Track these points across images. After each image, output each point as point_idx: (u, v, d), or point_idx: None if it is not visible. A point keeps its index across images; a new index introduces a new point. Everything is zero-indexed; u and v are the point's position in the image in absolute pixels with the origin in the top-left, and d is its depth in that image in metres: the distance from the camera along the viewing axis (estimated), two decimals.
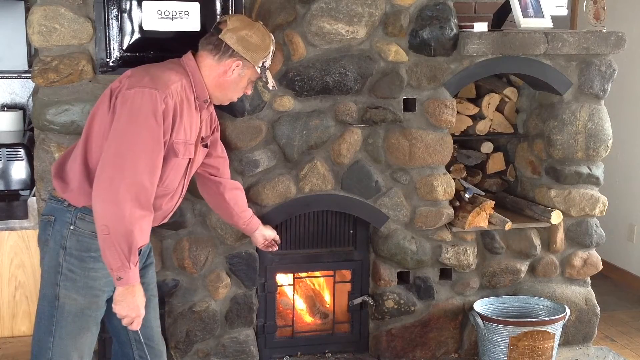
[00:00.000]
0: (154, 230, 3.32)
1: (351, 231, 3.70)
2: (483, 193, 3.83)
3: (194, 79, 2.61)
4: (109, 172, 2.36)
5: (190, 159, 2.65)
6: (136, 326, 2.50)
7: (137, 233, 2.36)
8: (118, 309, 2.44)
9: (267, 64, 2.72)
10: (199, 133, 2.69)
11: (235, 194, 3.08)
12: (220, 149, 3.02)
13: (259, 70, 2.69)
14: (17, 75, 4.26)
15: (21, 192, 3.65)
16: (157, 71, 2.54)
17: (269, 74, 2.75)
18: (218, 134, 2.99)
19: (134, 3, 3.10)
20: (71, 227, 2.50)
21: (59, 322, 2.51)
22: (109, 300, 2.52)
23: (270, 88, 2.80)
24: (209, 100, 2.68)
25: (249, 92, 2.79)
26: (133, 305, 2.44)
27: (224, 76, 2.64)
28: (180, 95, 2.51)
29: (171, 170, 2.57)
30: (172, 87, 2.48)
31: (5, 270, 3.59)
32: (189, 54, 2.66)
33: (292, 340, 3.75)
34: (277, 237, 3.29)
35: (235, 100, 2.79)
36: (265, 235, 3.24)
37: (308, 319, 3.89)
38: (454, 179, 3.73)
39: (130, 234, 2.34)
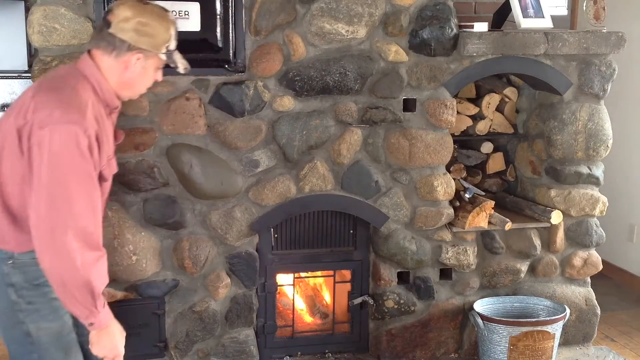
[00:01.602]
0: (155, 230, 3.33)
1: (351, 231, 3.70)
2: (483, 193, 3.83)
3: (100, 88, 2.35)
4: (48, 224, 2.15)
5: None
6: (120, 358, 2.37)
7: (96, 278, 2.19)
8: (95, 350, 2.31)
9: (172, 46, 2.44)
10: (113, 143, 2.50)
11: None
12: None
13: (163, 57, 2.42)
14: (17, 75, 4.26)
15: None
16: (63, 95, 2.24)
17: (176, 56, 2.47)
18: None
19: None
20: (9, 262, 2.29)
21: (43, 357, 2.34)
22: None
23: (182, 71, 2.53)
24: (118, 106, 2.47)
25: (160, 79, 2.51)
26: (110, 346, 2.31)
27: (127, 72, 2.37)
28: (95, 116, 2.27)
29: (102, 196, 2.37)
30: (87, 114, 2.22)
31: None
32: (86, 58, 2.37)
33: (292, 340, 3.75)
34: None
35: (145, 91, 2.53)
36: None
37: (308, 319, 3.89)
38: (454, 179, 3.73)
39: (88, 283, 2.17)
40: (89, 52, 2.39)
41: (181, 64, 2.50)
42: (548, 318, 3.60)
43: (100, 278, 2.22)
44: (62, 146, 2.15)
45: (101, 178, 2.33)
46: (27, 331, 2.32)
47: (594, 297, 3.97)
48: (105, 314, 2.28)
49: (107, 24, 2.34)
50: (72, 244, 2.15)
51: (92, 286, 2.19)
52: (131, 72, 2.38)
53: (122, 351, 2.37)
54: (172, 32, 2.43)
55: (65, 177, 2.16)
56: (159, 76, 2.50)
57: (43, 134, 2.15)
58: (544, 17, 3.72)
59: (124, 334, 2.38)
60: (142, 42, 2.34)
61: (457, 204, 3.70)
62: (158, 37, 2.37)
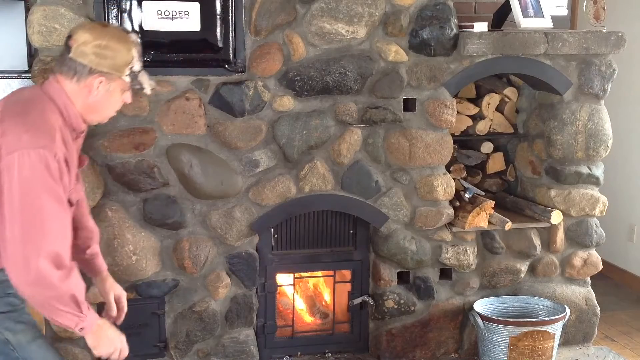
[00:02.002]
0: (155, 230, 3.33)
1: (351, 231, 3.69)
2: (483, 193, 3.83)
3: (67, 112, 2.32)
4: (21, 253, 2.13)
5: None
6: (125, 352, 2.40)
7: (75, 288, 2.20)
8: (99, 352, 2.34)
9: (136, 68, 2.39)
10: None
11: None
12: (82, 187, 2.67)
13: (127, 79, 2.37)
14: (17, 75, 4.25)
15: None
16: (31, 119, 2.21)
17: (142, 77, 2.42)
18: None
19: (134, 3, 3.11)
20: None
21: (28, 356, 2.32)
22: None
23: (149, 92, 2.49)
24: (84, 130, 2.42)
25: (129, 101, 2.46)
26: (109, 342, 2.33)
27: (91, 96, 2.33)
28: (64, 140, 2.25)
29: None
30: (57, 137, 2.20)
31: None
32: (52, 82, 2.34)
33: (292, 340, 3.75)
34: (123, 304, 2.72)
35: (114, 114, 2.48)
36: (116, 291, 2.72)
37: (308, 319, 3.89)
38: (454, 179, 3.73)
39: (70, 295, 2.18)
40: (55, 76, 2.36)
41: (147, 84, 2.45)
42: (548, 318, 3.60)
43: (78, 285, 2.23)
44: (32, 170, 2.14)
45: (69, 202, 2.31)
46: (4, 339, 2.31)
47: (594, 297, 3.97)
48: (92, 317, 2.28)
49: (68, 49, 2.31)
50: (45, 269, 2.14)
51: (74, 296, 2.20)
52: (95, 96, 2.34)
53: (123, 343, 2.38)
54: (134, 53, 2.38)
55: (36, 202, 2.15)
56: (128, 98, 2.45)
57: (12, 159, 2.13)
58: (544, 17, 3.72)
59: (117, 329, 2.40)
60: (103, 64, 2.31)
61: (457, 204, 3.70)
62: (119, 59, 2.33)
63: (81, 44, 2.30)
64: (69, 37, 2.33)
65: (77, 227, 2.54)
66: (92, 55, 2.29)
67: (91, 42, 2.29)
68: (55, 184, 2.17)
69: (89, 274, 2.66)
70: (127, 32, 2.44)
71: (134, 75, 2.38)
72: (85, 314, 2.25)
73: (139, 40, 2.43)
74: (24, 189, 2.13)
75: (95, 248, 2.64)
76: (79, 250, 2.58)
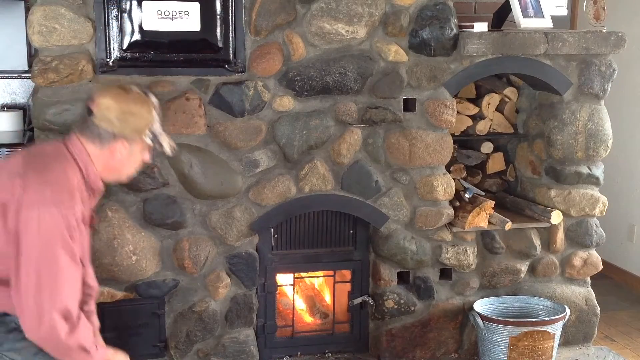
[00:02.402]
0: (155, 230, 3.33)
1: (351, 231, 3.69)
2: (483, 193, 3.83)
3: (87, 172, 2.37)
4: (35, 304, 2.19)
5: None
6: None
7: (84, 339, 2.26)
8: None
9: (156, 129, 2.44)
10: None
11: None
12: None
13: (149, 140, 2.43)
14: (17, 75, 4.26)
15: None
16: (53, 176, 2.27)
17: (162, 137, 2.47)
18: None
19: (134, 3, 3.11)
20: None
21: None
22: None
23: (169, 152, 2.53)
24: (102, 190, 2.48)
25: (148, 159, 2.52)
26: None
27: (113, 159, 2.39)
28: (81, 199, 2.31)
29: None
30: (76, 195, 2.26)
31: None
32: (75, 140, 2.38)
33: (292, 340, 3.75)
34: None
35: (133, 173, 2.53)
36: None
37: (308, 319, 3.89)
38: (454, 179, 3.73)
39: (78, 346, 2.25)
40: (76, 135, 2.40)
41: (167, 145, 2.50)
42: (548, 318, 3.60)
43: (86, 332, 2.29)
44: (52, 227, 2.19)
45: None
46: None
47: (594, 297, 3.97)
48: (102, 352, 2.36)
49: (90, 112, 2.36)
50: (57, 323, 2.20)
51: (82, 346, 2.26)
52: (117, 158, 2.40)
53: None
54: (155, 115, 2.44)
55: (53, 257, 2.20)
56: (147, 157, 2.50)
57: (34, 214, 2.19)
58: (544, 17, 3.72)
59: (127, 356, 2.47)
60: (126, 129, 2.36)
61: (457, 204, 3.70)
62: (141, 123, 2.39)
63: (104, 109, 2.34)
64: (91, 100, 2.38)
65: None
66: (116, 121, 2.34)
67: (114, 108, 2.34)
68: (72, 241, 2.23)
69: None
70: (147, 93, 2.48)
71: (154, 136, 2.44)
72: (94, 354, 2.31)
73: (158, 103, 2.48)
74: (43, 244, 2.19)
75: (92, 305, 2.63)
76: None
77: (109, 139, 2.35)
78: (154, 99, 2.47)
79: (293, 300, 3.78)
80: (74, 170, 2.33)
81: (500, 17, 3.87)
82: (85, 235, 2.39)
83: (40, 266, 2.19)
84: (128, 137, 2.37)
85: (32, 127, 3.27)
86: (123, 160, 2.42)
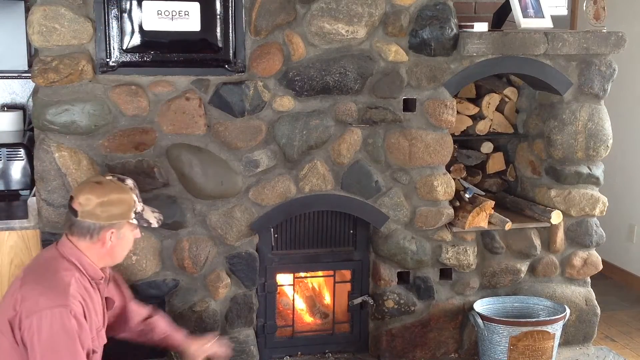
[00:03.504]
0: (155, 230, 3.33)
1: (351, 231, 3.70)
2: (483, 193, 3.83)
3: (82, 266, 2.49)
4: None
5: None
6: None
7: None
8: None
9: (139, 209, 2.59)
10: (103, 312, 2.62)
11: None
12: (125, 289, 2.87)
13: (134, 221, 2.57)
14: (17, 75, 4.25)
15: (21, 192, 3.64)
16: (46, 281, 2.40)
17: (147, 214, 2.63)
18: (119, 285, 2.84)
19: (134, 3, 3.11)
20: None
21: None
22: None
23: (156, 225, 2.68)
24: (104, 276, 2.58)
25: (139, 236, 2.66)
26: None
27: (105, 248, 2.52)
28: (80, 293, 2.41)
29: None
30: (70, 291, 2.37)
31: (5, 270, 3.57)
32: (65, 241, 2.52)
33: (292, 340, 3.75)
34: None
35: (128, 253, 2.70)
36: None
37: (308, 319, 3.89)
38: (454, 179, 3.73)
39: None
40: (66, 235, 2.52)
41: (153, 219, 2.65)
42: (548, 318, 3.60)
43: None
44: (50, 331, 2.30)
45: (90, 351, 2.44)
46: None
47: (594, 297, 3.97)
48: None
49: (74, 212, 2.48)
50: None
51: None
52: (110, 246, 2.52)
53: None
54: (135, 197, 2.58)
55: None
56: (138, 234, 2.63)
57: (31, 322, 2.31)
58: (544, 17, 3.72)
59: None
60: (111, 218, 2.50)
61: (457, 204, 3.70)
62: (124, 208, 2.53)
63: (85, 205, 2.47)
64: (72, 199, 2.51)
65: (125, 320, 2.82)
66: (100, 214, 2.48)
67: (95, 202, 2.47)
68: (73, 340, 2.33)
69: (171, 350, 2.98)
70: (122, 179, 2.61)
71: (139, 216, 2.59)
72: None
73: (134, 183, 2.62)
74: (44, 349, 2.30)
75: (155, 320, 2.85)
76: (143, 331, 2.89)
77: (97, 232, 2.48)
78: (129, 181, 2.61)
79: (293, 300, 3.78)
80: (65, 269, 2.44)
81: (500, 17, 3.87)
82: (94, 324, 2.47)
83: None
84: (115, 225, 2.50)
85: (32, 127, 3.27)
86: (115, 246, 2.54)
